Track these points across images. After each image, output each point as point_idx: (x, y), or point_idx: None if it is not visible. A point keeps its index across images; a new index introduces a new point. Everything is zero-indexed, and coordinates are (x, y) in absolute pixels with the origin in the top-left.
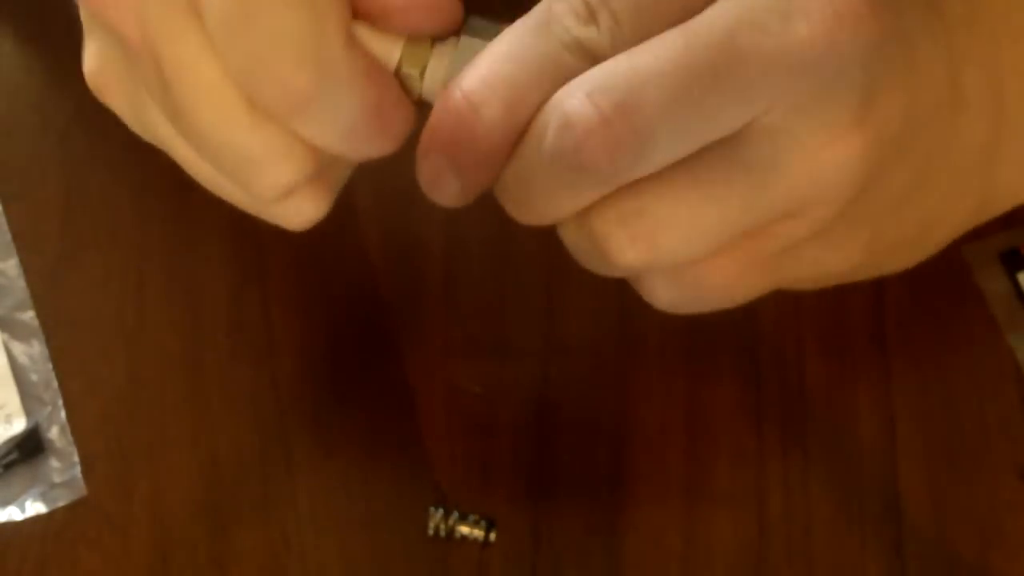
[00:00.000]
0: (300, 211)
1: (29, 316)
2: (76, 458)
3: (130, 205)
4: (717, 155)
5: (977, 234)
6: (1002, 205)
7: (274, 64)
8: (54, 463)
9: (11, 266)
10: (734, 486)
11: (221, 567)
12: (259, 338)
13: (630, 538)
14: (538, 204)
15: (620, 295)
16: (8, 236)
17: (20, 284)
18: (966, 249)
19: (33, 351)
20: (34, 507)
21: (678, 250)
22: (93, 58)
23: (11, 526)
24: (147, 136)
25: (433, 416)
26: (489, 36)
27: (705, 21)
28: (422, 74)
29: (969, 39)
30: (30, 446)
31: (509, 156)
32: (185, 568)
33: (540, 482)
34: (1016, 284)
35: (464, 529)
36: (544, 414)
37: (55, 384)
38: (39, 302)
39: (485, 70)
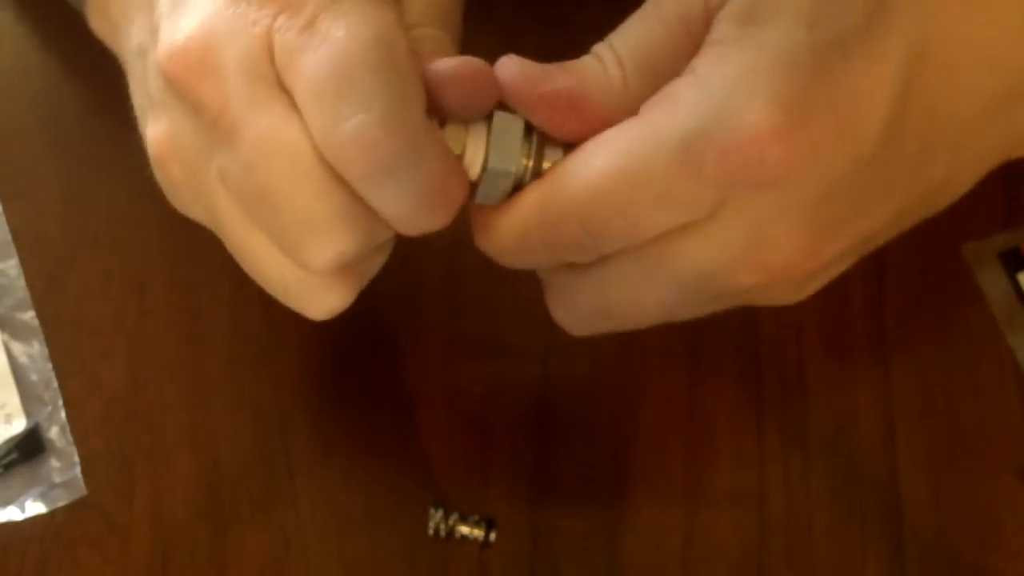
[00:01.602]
0: (327, 299)
1: (29, 316)
2: (76, 458)
3: (130, 205)
4: (692, 235)
5: (977, 234)
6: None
7: (364, 128)
8: (54, 463)
9: (11, 266)
10: (734, 486)
11: (221, 567)
12: (259, 339)
13: (630, 538)
14: (526, 263)
15: None
16: (8, 236)
17: (20, 284)
18: (966, 249)
19: (33, 351)
20: (34, 507)
21: (607, 306)
22: (162, 130)
23: (11, 526)
24: (195, 210)
25: (433, 416)
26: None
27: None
28: (462, 153)
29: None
30: (30, 446)
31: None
32: (185, 568)
33: (540, 482)
34: (1016, 284)
35: (464, 529)
36: (544, 414)
37: (55, 384)
38: (39, 302)
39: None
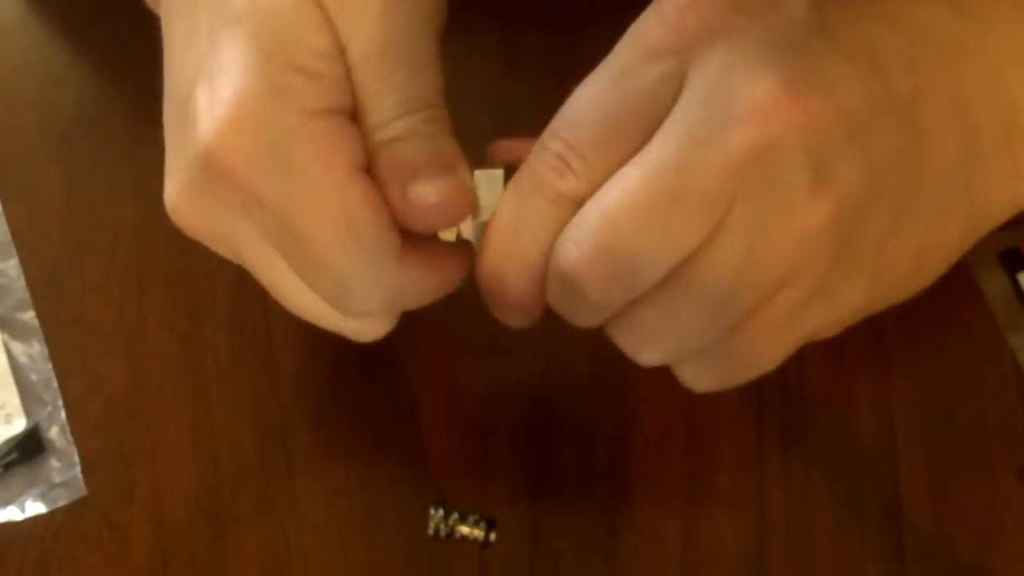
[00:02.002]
0: (371, 330)
1: (29, 316)
2: (76, 458)
3: (130, 205)
4: (700, 262)
5: None
6: (993, 216)
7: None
8: (54, 463)
9: (11, 266)
10: (734, 487)
11: (221, 567)
12: (259, 339)
13: (630, 538)
14: (576, 322)
15: None
16: (8, 236)
17: (20, 284)
18: None
19: (33, 351)
20: (34, 507)
21: (688, 346)
22: (188, 194)
23: (11, 526)
24: (228, 255)
25: (433, 416)
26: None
27: (656, 147)
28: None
29: (913, 78)
30: (30, 446)
31: (541, 293)
32: (185, 568)
33: (540, 482)
34: (1016, 284)
35: (464, 529)
36: (544, 414)
37: (55, 384)
38: (39, 302)
39: (497, 245)
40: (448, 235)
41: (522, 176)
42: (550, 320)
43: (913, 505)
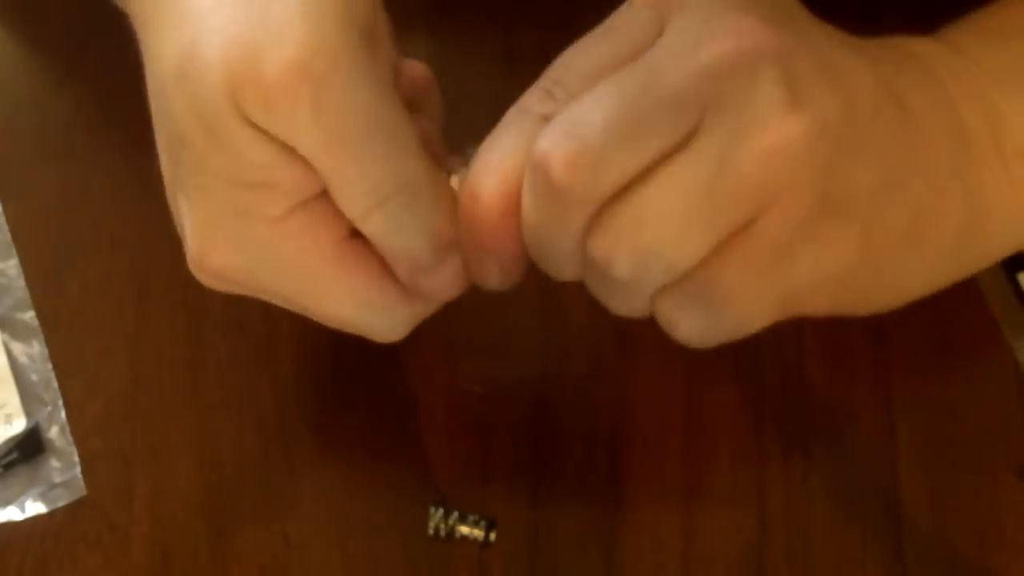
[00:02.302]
0: (385, 335)
1: (29, 316)
2: (76, 458)
3: (130, 205)
4: (673, 162)
5: None
6: (993, 221)
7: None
8: (54, 463)
9: (11, 266)
10: (734, 486)
11: (221, 567)
12: (259, 339)
13: (629, 538)
14: (550, 251)
15: None
16: (8, 236)
17: (20, 284)
18: None
19: (33, 351)
20: (34, 507)
21: (662, 250)
22: (218, 252)
23: (11, 526)
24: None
25: (433, 416)
26: None
27: (630, 64)
28: None
29: (897, 67)
30: (30, 446)
31: (518, 226)
32: (185, 568)
33: (540, 482)
34: (1016, 284)
35: (464, 529)
36: (544, 414)
37: (55, 384)
38: (39, 302)
39: (477, 164)
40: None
41: (510, 109)
42: (550, 320)
43: (913, 505)
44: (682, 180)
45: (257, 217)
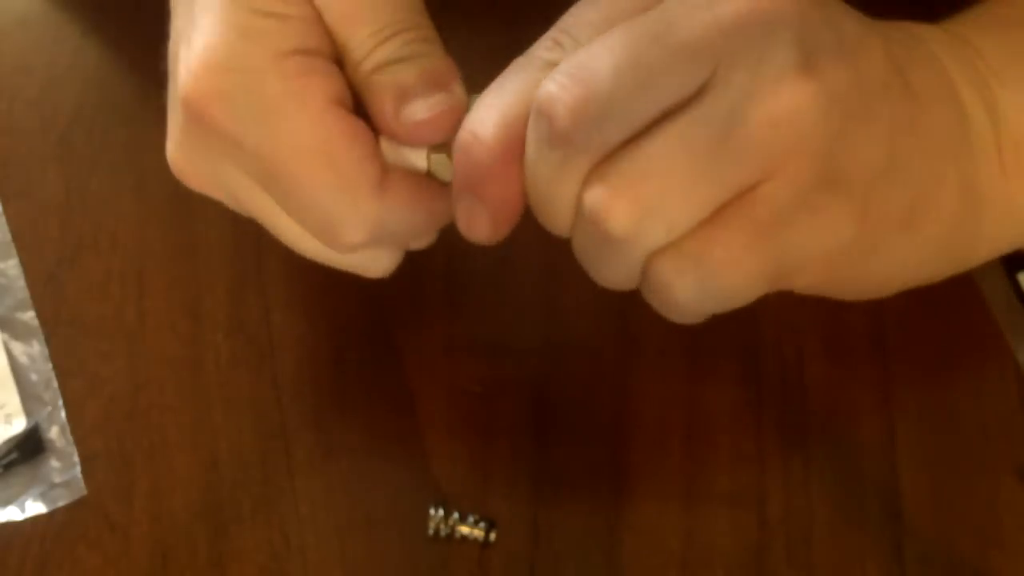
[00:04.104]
0: (375, 265)
1: (29, 316)
2: (76, 458)
3: (130, 205)
4: (681, 117)
5: None
6: (988, 213)
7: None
8: (54, 463)
9: (11, 266)
10: (734, 487)
11: (221, 567)
12: (259, 339)
13: (630, 538)
14: (549, 200)
15: (620, 295)
16: (8, 236)
17: (20, 284)
18: None
19: (33, 351)
20: (34, 507)
21: (663, 206)
22: (180, 146)
23: (11, 526)
24: (218, 195)
25: (433, 416)
26: None
27: (644, 14)
28: (450, 158)
29: (907, 51)
30: (30, 446)
31: (516, 172)
32: (185, 568)
33: (540, 482)
34: (1016, 284)
35: (464, 529)
36: (544, 414)
37: (55, 384)
38: (39, 302)
39: (480, 105)
40: (443, 174)
41: (518, 58)
42: (550, 320)
43: (913, 505)
44: (690, 135)
45: (260, 44)
